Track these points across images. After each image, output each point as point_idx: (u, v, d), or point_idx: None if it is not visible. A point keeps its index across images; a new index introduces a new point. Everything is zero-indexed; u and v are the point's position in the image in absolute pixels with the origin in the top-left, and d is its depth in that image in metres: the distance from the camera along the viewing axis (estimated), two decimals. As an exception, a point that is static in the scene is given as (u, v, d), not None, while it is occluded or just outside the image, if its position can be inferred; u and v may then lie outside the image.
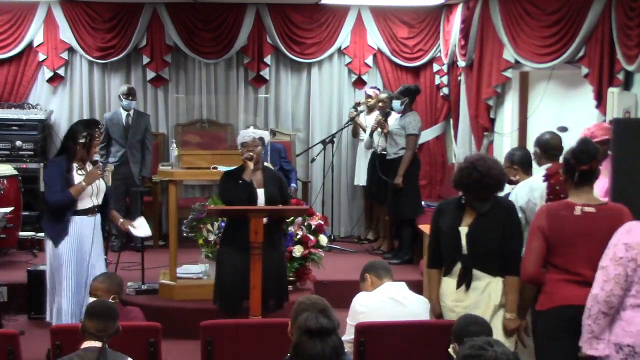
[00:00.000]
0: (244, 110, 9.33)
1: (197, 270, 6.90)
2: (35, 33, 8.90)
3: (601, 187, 4.85)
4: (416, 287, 5.85)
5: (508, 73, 7.54)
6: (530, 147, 7.70)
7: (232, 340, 4.36)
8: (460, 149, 8.43)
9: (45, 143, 8.90)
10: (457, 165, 4.48)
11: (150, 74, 9.11)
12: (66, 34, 8.92)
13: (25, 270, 6.89)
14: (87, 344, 3.52)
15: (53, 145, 9.05)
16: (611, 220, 3.89)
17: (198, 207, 6.83)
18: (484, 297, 4.33)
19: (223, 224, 6.28)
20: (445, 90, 9.18)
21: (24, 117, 8.66)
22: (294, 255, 6.66)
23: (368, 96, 8.63)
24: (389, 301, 4.46)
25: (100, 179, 5.55)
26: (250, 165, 5.55)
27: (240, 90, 9.33)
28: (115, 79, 9.16)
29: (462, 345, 2.74)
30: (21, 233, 8.06)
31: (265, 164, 7.03)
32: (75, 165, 5.50)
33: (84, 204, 5.52)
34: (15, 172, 8.00)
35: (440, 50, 9.15)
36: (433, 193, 9.34)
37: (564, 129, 7.34)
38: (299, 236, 6.70)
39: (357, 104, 8.73)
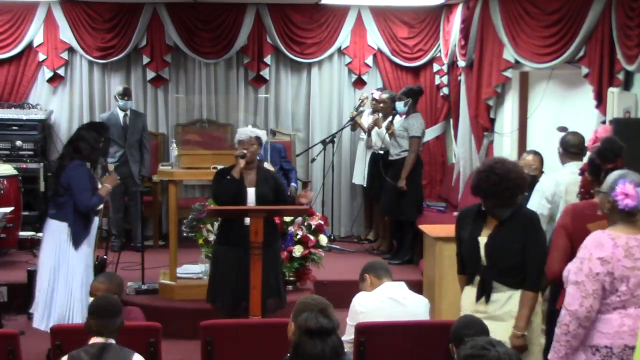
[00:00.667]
0: (244, 110, 9.33)
1: (197, 270, 6.90)
2: (35, 33, 8.90)
3: None
4: (416, 287, 5.85)
5: (508, 73, 7.53)
6: (530, 147, 7.75)
7: (232, 340, 4.36)
8: (460, 149, 8.43)
9: (45, 143, 8.90)
10: (475, 170, 4.29)
11: (150, 74, 9.11)
12: (66, 34, 8.92)
13: (25, 270, 6.88)
14: (93, 340, 3.55)
15: (53, 145, 9.06)
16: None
17: (198, 207, 6.83)
18: (505, 310, 4.14)
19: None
20: (445, 90, 9.18)
21: (24, 117, 8.66)
22: (294, 255, 6.66)
23: (374, 99, 8.59)
24: (388, 301, 4.46)
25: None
26: (241, 162, 5.54)
27: (240, 90, 9.33)
28: (115, 79, 9.16)
29: (463, 345, 2.74)
30: (21, 233, 8.05)
31: (266, 164, 7.05)
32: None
33: None
34: (15, 172, 8.00)
35: (440, 50, 9.15)
36: (433, 193, 9.34)
37: (564, 129, 7.32)
38: (299, 236, 6.70)
39: (361, 101, 8.70)
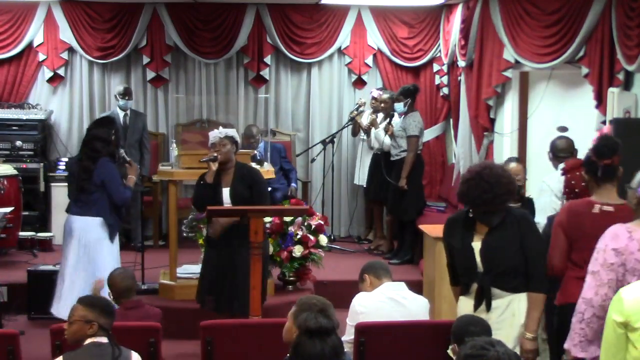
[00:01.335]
0: (244, 110, 9.33)
1: (197, 270, 6.86)
2: (35, 33, 8.90)
3: None
4: (416, 287, 5.86)
5: (508, 73, 7.53)
6: (530, 147, 7.75)
7: (232, 340, 4.36)
8: (460, 149, 8.43)
9: (45, 143, 8.90)
10: (461, 178, 4.11)
11: (150, 74, 9.11)
12: (66, 34, 8.92)
13: (25, 270, 6.90)
14: (93, 339, 3.53)
15: (53, 145, 9.07)
16: (629, 219, 3.82)
17: (198, 207, 6.83)
18: (507, 316, 3.99)
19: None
20: (445, 90, 9.18)
21: (24, 117, 8.66)
22: (294, 255, 6.66)
23: (373, 98, 8.59)
24: (388, 301, 4.45)
25: None
26: (212, 166, 5.60)
27: (240, 90, 9.33)
28: (115, 79, 9.17)
29: (463, 345, 2.73)
30: (21, 233, 8.07)
31: (266, 164, 7.06)
32: None
33: None
34: (15, 172, 8.00)
35: (440, 50, 9.15)
36: (433, 193, 9.34)
37: (564, 129, 7.33)
38: (299, 236, 6.70)
39: (359, 106, 8.70)
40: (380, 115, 8.34)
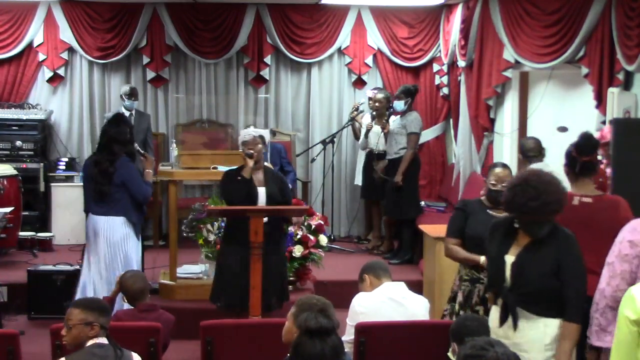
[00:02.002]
0: (244, 110, 9.33)
1: (197, 270, 6.90)
2: (35, 33, 8.90)
3: None
4: (416, 287, 5.86)
5: (508, 73, 7.53)
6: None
7: (232, 340, 4.36)
8: (460, 149, 8.43)
9: (45, 143, 8.90)
10: (508, 184, 3.85)
11: (150, 74, 9.11)
12: (66, 34, 8.92)
13: (25, 270, 6.90)
14: (95, 340, 3.52)
15: (53, 145, 9.07)
16: (608, 210, 4.16)
17: (198, 207, 6.83)
18: (527, 339, 3.71)
19: (223, 224, 6.28)
20: (445, 90, 9.18)
21: (24, 117, 8.66)
22: (294, 255, 6.66)
23: (370, 99, 8.60)
24: (388, 301, 4.46)
25: None
26: (250, 162, 5.56)
27: (240, 90, 9.33)
28: (115, 79, 9.17)
29: (463, 345, 2.74)
30: (21, 233, 8.06)
31: (266, 164, 7.05)
32: None
33: None
34: (15, 172, 8.00)
35: (440, 50, 9.15)
36: (433, 193, 9.34)
37: (564, 129, 7.34)
38: (299, 236, 6.70)
39: (356, 108, 8.71)
40: (368, 115, 8.38)
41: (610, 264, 3.70)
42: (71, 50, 9.06)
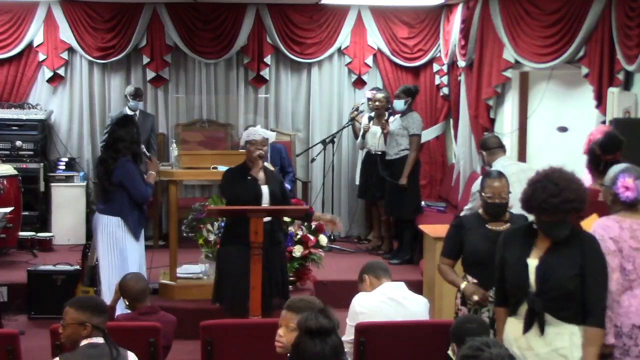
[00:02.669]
0: (244, 110, 9.33)
1: (197, 270, 6.90)
2: (35, 33, 8.90)
3: None
4: (416, 287, 5.86)
5: (508, 73, 7.53)
6: (530, 147, 7.75)
7: (232, 340, 4.36)
8: (460, 149, 8.44)
9: (45, 143, 8.90)
10: (528, 182, 3.63)
11: (150, 74, 9.11)
12: (66, 34, 8.92)
13: (25, 270, 6.90)
14: (89, 340, 3.50)
15: (53, 145, 9.07)
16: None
17: (198, 207, 6.83)
18: (554, 347, 3.54)
19: (223, 224, 6.28)
20: (445, 90, 9.18)
21: (24, 117, 8.66)
22: (294, 255, 6.66)
23: (369, 99, 8.61)
24: (388, 301, 4.45)
25: None
26: (261, 163, 5.59)
27: (240, 90, 9.33)
28: (115, 79, 9.17)
29: (462, 345, 2.76)
30: (21, 233, 8.07)
31: (266, 164, 7.05)
32: None
33: None
34: (15, 172, 8.00)
35: (440, 50, 9.15)
36: (433, 193, 9.34)
37: (564, 129, 7.34)
38: (299, 236, 6.70)
39: (357, 107, 8.72)
40: (367, 114, 8.39)
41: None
42: (71, 50, 9.06)
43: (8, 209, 6.91)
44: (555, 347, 3.52)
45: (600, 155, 4.41)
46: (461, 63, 8.28)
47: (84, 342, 3.50)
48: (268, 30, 9.07)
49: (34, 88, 9.10)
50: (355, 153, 9.13)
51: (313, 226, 6.78)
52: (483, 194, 4.47)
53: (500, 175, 4.53)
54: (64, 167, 8.79)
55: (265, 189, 5.60)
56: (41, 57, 8.98)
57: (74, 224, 8.51)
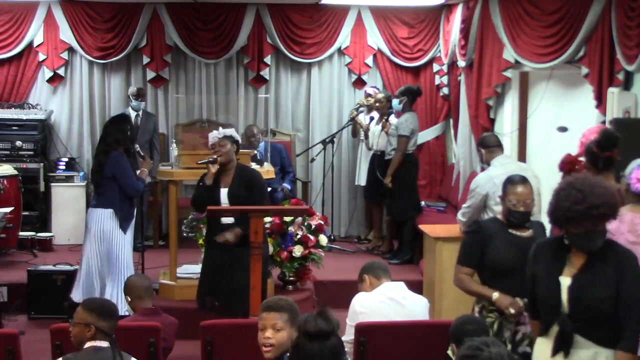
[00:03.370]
0: (244, 110, 9.33)
1: (197, 270, 6.87)
2: (35, 33, 8.90)
3: None
4: (416, 287, 5.86)
5: (508, 73, 7.53)
6: (530, 147, 7.74)
7: (232, 340, 4.36)
8: (460, 149, 8.44)
9: (45, 143, 8.91)
10: (553, 192, 3.39)
11: (150, 74, 9.11)
12: (66, 34, 8.92)
13: (25, 270, 6.91)
14: (93, 343, 3.48)
15: (53, 145, 9.07)
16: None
17: (198, 207, 6.82)
18: None
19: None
20: (445, 90, 9.18)
21: (24, 117, 8.66)
22: (294, 255, 6.66)
23: (368, 95, 8.65)
24: (388, 301, 4.45)
25: None
26: (212, 168, 5.62)
27: (240, 90, 9.33)
28: (115, 79, 9.17)
29: (462, 346, 2.75)
30: (21, 233, 8.08)
31: (266, 164, 7.05)
32: None
33: None
34: (15, 172, 8.01)
35: (440, 50, 9.15)
36: (433, 193, 9.34)
37: (564, 129, 7.33)
38: (299, 236, 6.70)
39: (359, 106, 8.73)
40: (376, 115, 8.37)
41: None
42: (71, 50, 9.06)
43: (8, 209, 6.92)
44: None
45: (598, 153, 4.49)
46: (461, 63, 8.28)
47: (88, 345, 3.48)
48: (268, 30, 9.07)
49: (34, 88, 9.10)
50: (355, 153, 9.13)
51: (313, 226, 6.77)
52: (506, 201, 4.25)
53: (524, 180, 4.31)
54: (64, 167, 8.79)
55: (223, 192, 5.63)
56: (41, 57, 8.98)
57: (74, 224, 8.51)
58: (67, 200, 8.61)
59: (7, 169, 7.95)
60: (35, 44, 8.95)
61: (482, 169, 6.11)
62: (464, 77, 8.36)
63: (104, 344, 3.47)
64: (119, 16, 8.93)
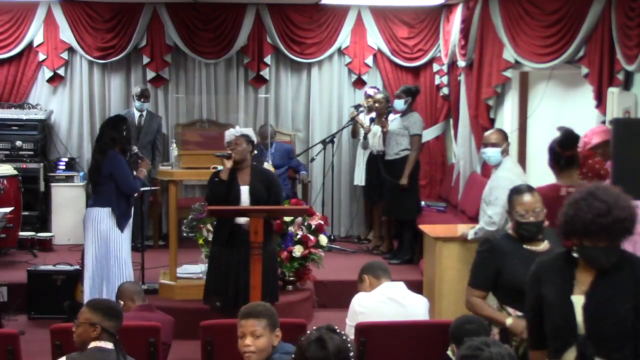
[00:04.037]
0: (244, 110, 9.33)
1: (197, 270, 6.90)
2: (35, 33, 8.90)
3: None
4: (416, 287, 5.86)
5: (508, 73, 7.53)
6: (530, 147, 7.74)
7: (232, 340, 4.34)
8: (460, 149, 8.44)
9: (45, 143, 8.91)
10: (566, 204, 3.04)
11: (150, 74, 9.11)
12: (66, 34, 8.92)
13: (25, 270, 6.91)
14: (97, 343, 3.47)
15: (53, 145, 9.07)
16: None
17: (198, 207, 6.83)
18: None
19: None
20: (445, 90, 9.18)
21: (24, 117, 8.66)
22: (294, 255, 6.66)
23: (368, 96, 8.65)
24: (388, 301, 4.45)
25: None
26: (227, 164, 5.56)
27: (240, 90, 9.33)
28: (115, 79, 9.17)
29: (461, 345, 2.75)
30: (21, 233, 8.08)
31: (266, 164, 7.05)
32: None
33: None
34: (15, 172, 8.01)
35: (440, 50, 9.15)
36: (433, 193, 9.34)
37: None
38: (299, 236, 6.70)
39: (358, 105, 8.74)
40: (372, 114, 8.40)
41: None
42: (71, 50, 9.07)
43: (8, 209, 6.92)
44: None
45: (560, 152, 4.70)
46: (461, 63, 8.28)
47: (92, 345, 3.47)
48: (268, 30, 9.07)
49: (34, 88, 9.10)
50: (355, 153, 9.13)
51: (313, 226, 6.77)
52: (513, 213, 4.00)
53: (530, 188, 4.09)
54: (64, 167, 8.79)
55: (244, 189, 5.59)
56: (41, 57, 8.98)
57: (74, 224, 8.50)
58: (67, 200, 8.61)
59: (7, 169, 7.96)
60: (35, 44, 8.95)
61: (486, 165, 6.02)
62: (464, 77, 8.35)
63: (109, 345, 3.47)
64: (119, 16, 8.93)
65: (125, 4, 8.89)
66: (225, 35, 9.03)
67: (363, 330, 4.24)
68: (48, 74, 9.05)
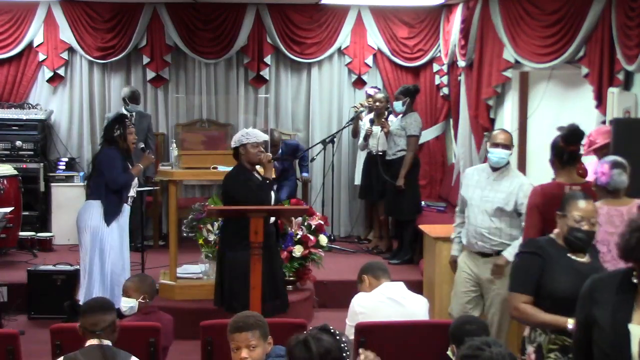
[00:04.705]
0: (244, 110, 9.34)
1: (197, 270, 6.90)
2: (35, 33, 8.91)
3: None
4: (416, 287, 5.86)
5: (508, 73, 7.53)
6: (530, 147, 7.74)
7: (232, 341, 4.35)
8: (460, 149, 8.44)
9: (45, 143, 8.91)
10: (627, 227, 2.73)
11: (150, 74, 9.12)
12: (66, 34, 8.92)
13: (25, 270, 6.91)
14: (89, 342, 3.52)
15: (53, 145, 9.07)
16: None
17: (198, 207, 6.83)
18: None
19: (222, 224, 6.26)
20: (445, 90, 9.18)
21: (24, 117, 8.67)
22: (294, 255, 6.66)
23: (369, 95, 8.66)
24: (388, 301, 4.46)
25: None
26: (271, 165, 5.58)
27: (240, 90, 9.34)
28: (115, 79, 9.17)
29: (462, 345, 2.74)
30: (21, 233, 8.08)
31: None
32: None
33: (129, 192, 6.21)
34: (15, 172, 8.01)
35: (440, 50, 9.15)
36: (433, 193, 9.34)
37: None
38: (299, 236, 6.70)
39: (360, 105, 8.74)
40: (370, 114, 8.41)
41: None
42: (71, 50, 9.07)
43: (8, 209, 6.91)
44: None
45: (564, 147, 4.68)
46: (461, 63, 8.28)
47: (89, 343, 3.53)
48: (268, 30, 9.07)
49: (34, 88, 9.10)
50: (355, 153, 9.13)
51: (313, 226, 6.77)
52: (569, 217, 3.70)
53: (587, 197, 3.82)
54: (64, 167, 8.79)
55: (272, 194, 5.62)
56: (41, 57, 8.98)
57: (74, 224, 8.39)
58: (67, 200, 8.60)
59: (7, 169, 7.96)
60: (35, 44, 8.95)
61: (486, 160, 5.50)
62: (464, 77, 8.35)
63: (106, 341, 3.51)
64: (119, 16, 8.93)
65: (125, 4, 8.89)
66: (225, 35, 9.03)
67: (363, 330, 4.24)
68: (48, 74, 9.05)
